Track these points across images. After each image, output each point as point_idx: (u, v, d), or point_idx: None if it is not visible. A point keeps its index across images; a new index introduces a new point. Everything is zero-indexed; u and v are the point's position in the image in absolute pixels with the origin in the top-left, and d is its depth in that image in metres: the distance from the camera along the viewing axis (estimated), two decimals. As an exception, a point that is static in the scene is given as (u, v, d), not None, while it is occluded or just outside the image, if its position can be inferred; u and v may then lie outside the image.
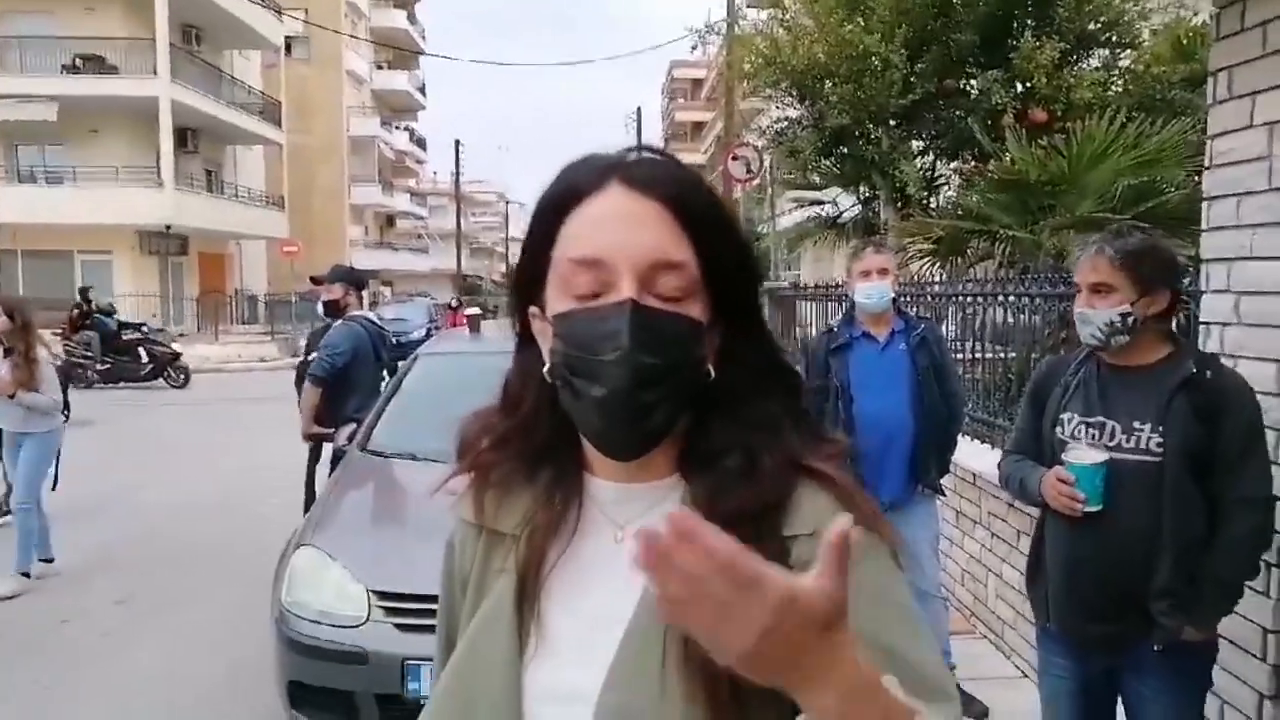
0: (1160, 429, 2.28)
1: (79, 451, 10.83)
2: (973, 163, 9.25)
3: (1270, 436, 2.64)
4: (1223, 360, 2.83)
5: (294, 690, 3.36)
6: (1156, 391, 2.29)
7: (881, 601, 0.82)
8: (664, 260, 0.83)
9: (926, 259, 7.36)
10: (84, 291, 18.82)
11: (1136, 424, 2.32)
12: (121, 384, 17.47)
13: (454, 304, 25.39)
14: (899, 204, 9.88)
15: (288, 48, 35.01)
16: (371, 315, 5.99)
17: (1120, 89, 9.03)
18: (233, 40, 30.40)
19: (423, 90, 53.82)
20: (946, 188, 10.21)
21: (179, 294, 27.70)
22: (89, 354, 17.49)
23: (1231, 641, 2.81)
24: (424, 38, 52.21)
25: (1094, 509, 2.34)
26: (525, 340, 0.93)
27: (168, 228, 25.42)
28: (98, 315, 18.02)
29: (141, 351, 17.89)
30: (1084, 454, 2.36)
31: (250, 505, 7.69)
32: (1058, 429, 2.46)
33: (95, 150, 25.42)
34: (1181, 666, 2.36)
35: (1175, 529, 2.28)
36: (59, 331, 18.78)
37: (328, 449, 5.49)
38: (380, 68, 48.70)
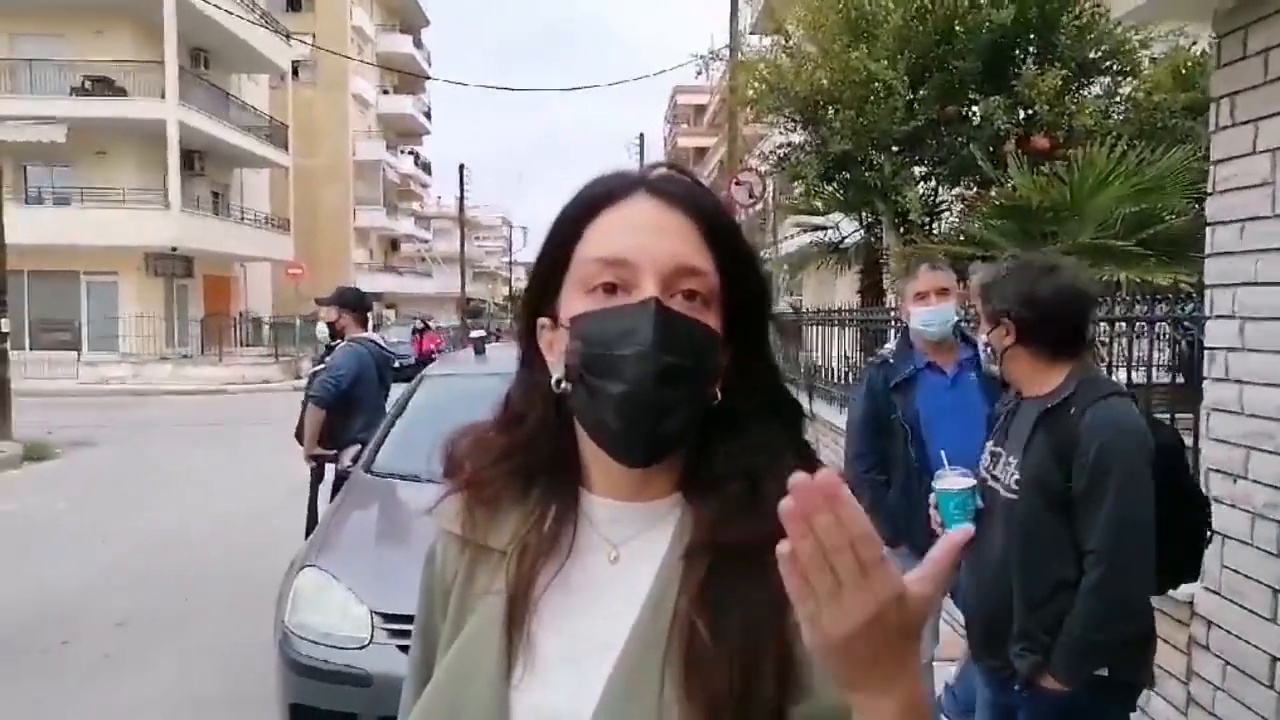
0: (1022, 465, 2.20)
1: (81, 472, 10.87)
2: (975, 189, 9.29)
3: (1275, 462, 2.64)
4: (1227, 385, 2.84)
5: (296, 712, 3.33)
6: (1030, 423, 2.21)
7: None
8: (687, 266, 0.83)
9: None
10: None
11: (1012, 458, 2.26)
12: None
13: (420, 326, 22.60)
14: (901, 229, 9.91)
15: (294, 71, 35.30)
16: (376, 337, 6.00)
17: (1121, 116, 9.07)
18: (240, 64, 30.68)
19: (428, 115, 54.22)
20: (948, 214, 10.24)
21: (184, 316, 27.79)
22: None
23: (1238, 668, 2.79)
24: (430, 63, 52.65)
25: None
26: (531, 355, 0.91)
27: (174, 249, 25.54)
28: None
29: None
30: (948, 480, 2.35)
31: (253, 527, 7.67)
32: (982, 456, 2.44)
33: (103, 172, 25.58)
34: (1056, 718, 2.20)
35: (1024, 570, 2.18)
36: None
37: (330, 470, 5.49)
38: (386, 92, 49.09)
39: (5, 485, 10.15)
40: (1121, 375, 4.03)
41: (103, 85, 24.99)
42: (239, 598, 5.72)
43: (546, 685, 0.84)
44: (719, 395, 0.85)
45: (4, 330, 12.56)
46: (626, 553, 0.87)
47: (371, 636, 3.27)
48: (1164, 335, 4.41)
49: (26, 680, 4.70)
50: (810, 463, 0.88)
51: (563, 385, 0.85)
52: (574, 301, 0.85)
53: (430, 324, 20.61)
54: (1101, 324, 4.36)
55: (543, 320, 0.89)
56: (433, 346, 17.91)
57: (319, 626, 3.36)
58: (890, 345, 3.80)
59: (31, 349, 23.93)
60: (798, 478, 0.59)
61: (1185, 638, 3.07)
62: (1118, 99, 9.49)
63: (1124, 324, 4.29)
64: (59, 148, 24.14)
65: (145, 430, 14.78)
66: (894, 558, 0.64)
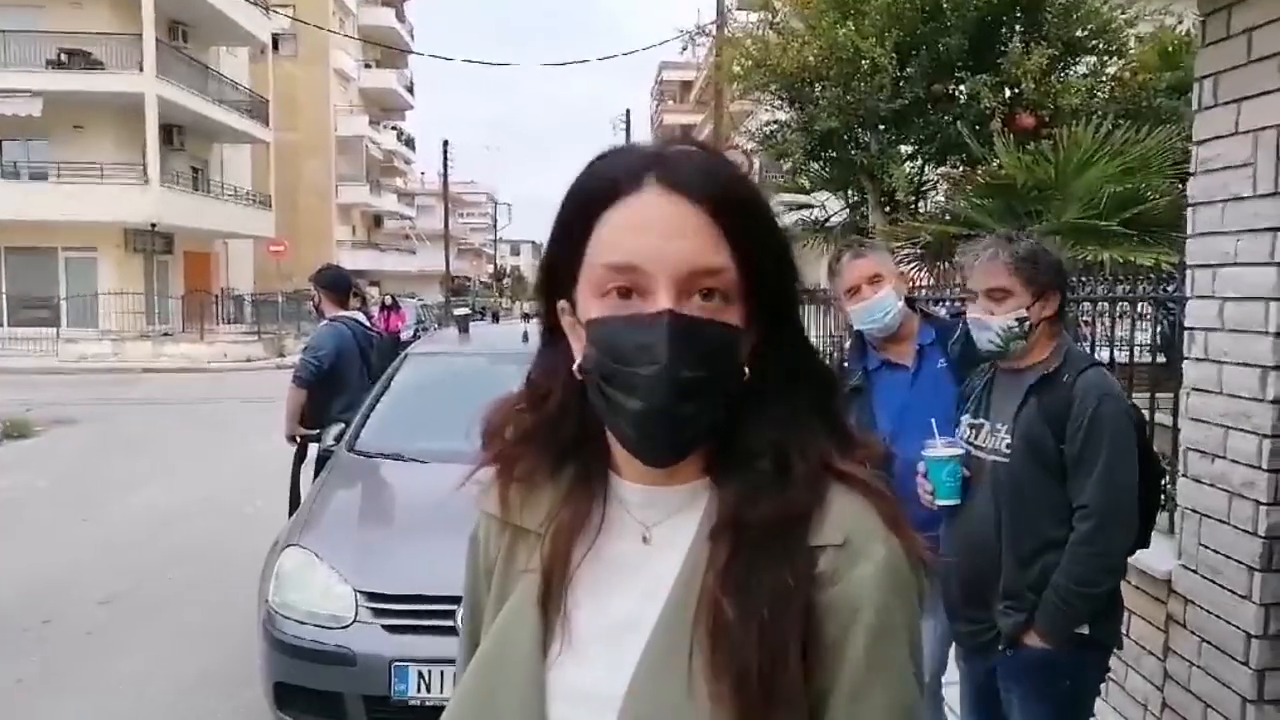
0: (1013, 429, 2.31)
1: (61, 450, 10.78)
2: (961, 168, 9.29)
3: (1253, 441, 2.67)
4: (1206, 365, 2.86)
5: (280, 691, 3.35)
6: (1020, 392, 2.31)
7: (877, 640, 0.79)
8: (703, 267, 0.80)
9: (914, 264, 7.39)
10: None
11: (1000, 424, 2.35)
12: None
13: (387, 302, 20.37)
14: (887, 208, 9.91)
15: (275, 45, 34.81)
16: (359, 316, 5.96)
17: (1107, 96, 9.07)
18: (220, 36, 30.22)
19: (411, 89, 53.66)
20: (934, 192, 10.24)
21: (164, 292, 27.52)
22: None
23: (1215, 645, 2.83)
24: (412, 36, 52.06)
25: (946, 502, 2.40)
26: (552, 334, 0.90)
27: (153, 226, 25.23)
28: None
29: None
30: (938, 449, 2.42)
31: (235, 506, 7.64)
32: (958, 430, 2.50)
33: (80, 146, 25.21)
34: (1037, 675, 2.29)
35: (1014, 530, 2.29)
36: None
37: (313, 449, 5.46)
38: (368, 66, 48.50)
39: (-15, 463, 10.07)
40: (1104, 354, 4.05)
41: (79, 58, 24.58)
42: (222, 576, 5.71)
43: (582, 663, 0.86)
44: (747, 372, 0.84)
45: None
46: (659, 534, 0.88)
47: (355, 615, 3.27)
48: (1146, 315, 4.43)
49: (8, 658, 4.67)
50: (843, 438, 0.88)
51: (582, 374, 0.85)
52: (589, 303, 0.83)
53: (400, 301, 19.72)
54: (1084, 303, 4.38)
55: (562, 304, 0.88)
56: (400, 325, 17.38)
57: (302, 605, 3.36)
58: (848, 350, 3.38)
59: (10, 326, 23.70)
60: None
61: (1163, 615, 3.10)
62: (1103, 78, 9.48)
63: (1107, 303, 4.31)
64: (35, 121, 23.80)
65: (126, 408, 14.67)
66: None
